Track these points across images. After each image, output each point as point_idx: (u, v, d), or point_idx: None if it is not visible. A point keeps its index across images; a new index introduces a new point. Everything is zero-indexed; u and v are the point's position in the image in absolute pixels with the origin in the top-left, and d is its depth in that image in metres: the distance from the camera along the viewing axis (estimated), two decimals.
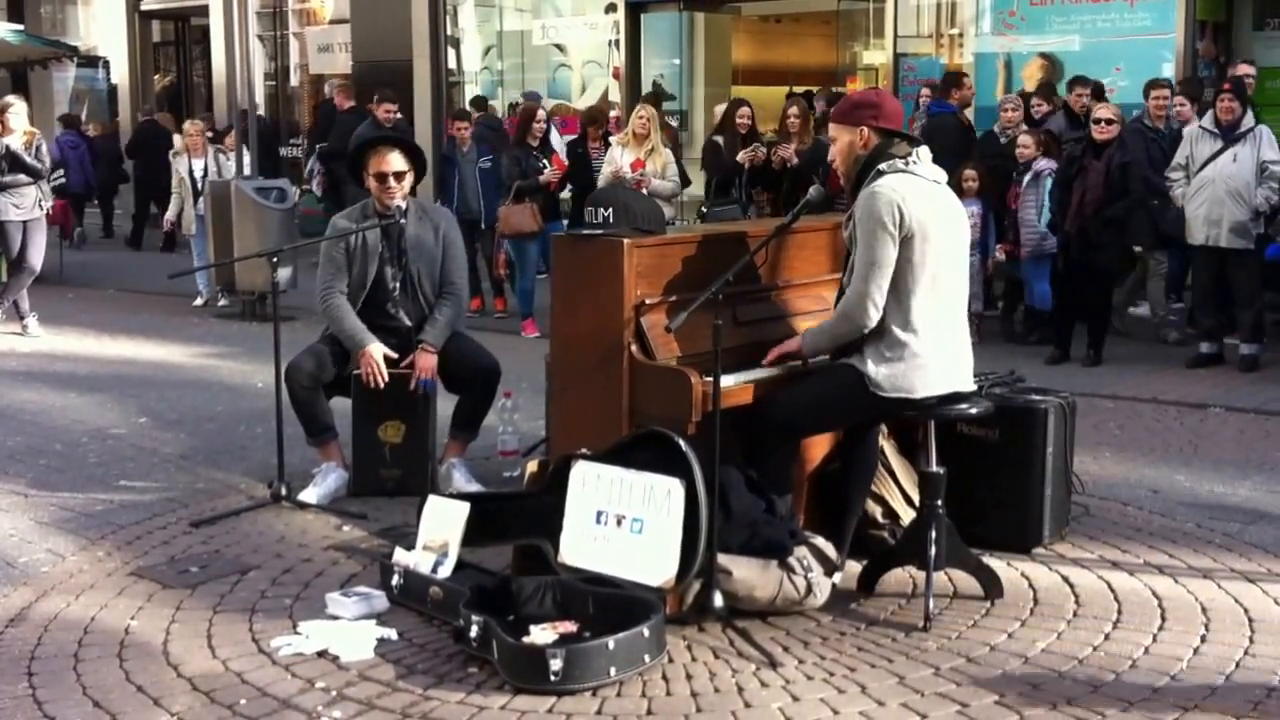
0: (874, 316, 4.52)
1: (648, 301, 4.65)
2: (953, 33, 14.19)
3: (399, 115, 13.01)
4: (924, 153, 4.67)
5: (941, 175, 4.71)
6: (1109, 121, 8.95)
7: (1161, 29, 11.95)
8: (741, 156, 10.47)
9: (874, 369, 4.53)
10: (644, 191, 9.49)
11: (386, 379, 5.95)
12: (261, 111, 14.57)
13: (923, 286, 4.52)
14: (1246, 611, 4.61)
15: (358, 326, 6.01)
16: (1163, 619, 4.56)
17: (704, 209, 10.70)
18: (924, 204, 4.54)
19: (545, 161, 10.59)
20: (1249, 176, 8.67)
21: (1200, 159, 8.90)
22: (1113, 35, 12.29)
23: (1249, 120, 8.85)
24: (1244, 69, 10.14)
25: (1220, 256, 8.89)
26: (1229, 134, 8.82)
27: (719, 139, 11.06)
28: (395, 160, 6.08)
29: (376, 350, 5.96)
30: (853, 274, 4.58)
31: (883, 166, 4.59)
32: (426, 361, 6.00)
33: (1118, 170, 8.85)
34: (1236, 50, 12.05)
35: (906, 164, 4.60)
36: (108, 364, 9.64)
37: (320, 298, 6.12)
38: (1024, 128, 10.08)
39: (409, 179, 6.16)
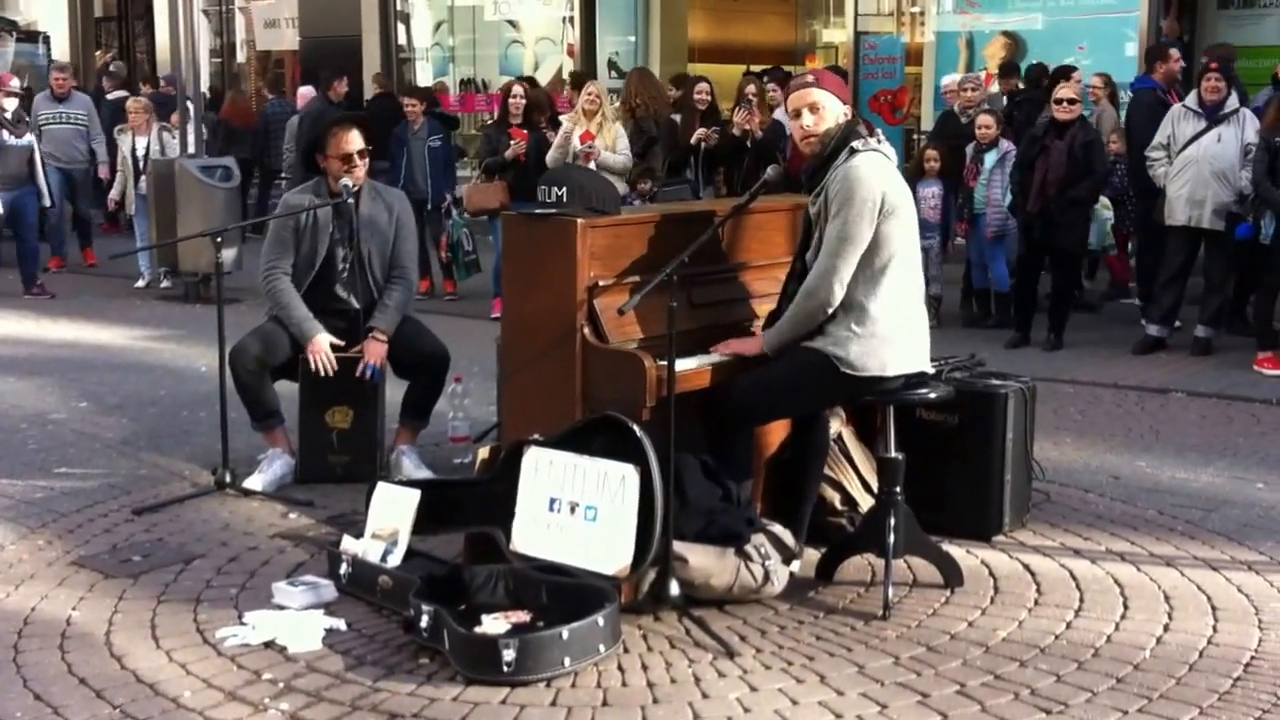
0: (838, 295, 4.48)
1: (601, 283, 4.58)
2: (914, 10, 14.20)
3: (347, 89, 12.98)
4: (881, 133, 4.75)
5: (895, 156, 4.75)
6: (1071, 101, 8.88)
7: (1125, 7, 12.00)
8: (696, 136, 10.36)
9: (844, 349, 4.48)
10: (592, 164, 9.37)
11: (336, 369, 5.85)
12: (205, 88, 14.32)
13: (894, 264, 4.51)
14: (1209, 599, 4.59)
15: (304, 314, 5.90)
16: (1125, 607, 4.54)
17: (654, 189, 10.58)
18: (895, 183, 4.56)
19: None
20: (1234, 158, 8.60)
21: (1182, 139, 8.85)
22: (1076, 13, 12.33)
23: (1233, 101, 8.81)
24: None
25: (1198, 238, 8.84)
26: (1213, 114, 8.76)
27: (676, 117, 10.94)
28: (356, 139, 6.02)
29: (324, 340, 5.87)
30: (820, 249, 4.52)
31: (856, 144, 4.56)
32: (376, 349, 5.90)
33: (1081, 150, 8.80)
34: (1201, 28, 12.07)
35: (879, 142, 4.62)
36: (48, 347, 9.49)
37: (263, 277, 6.01)
38: (984, 107, 10.04)
39: (368, 157, 6.10)
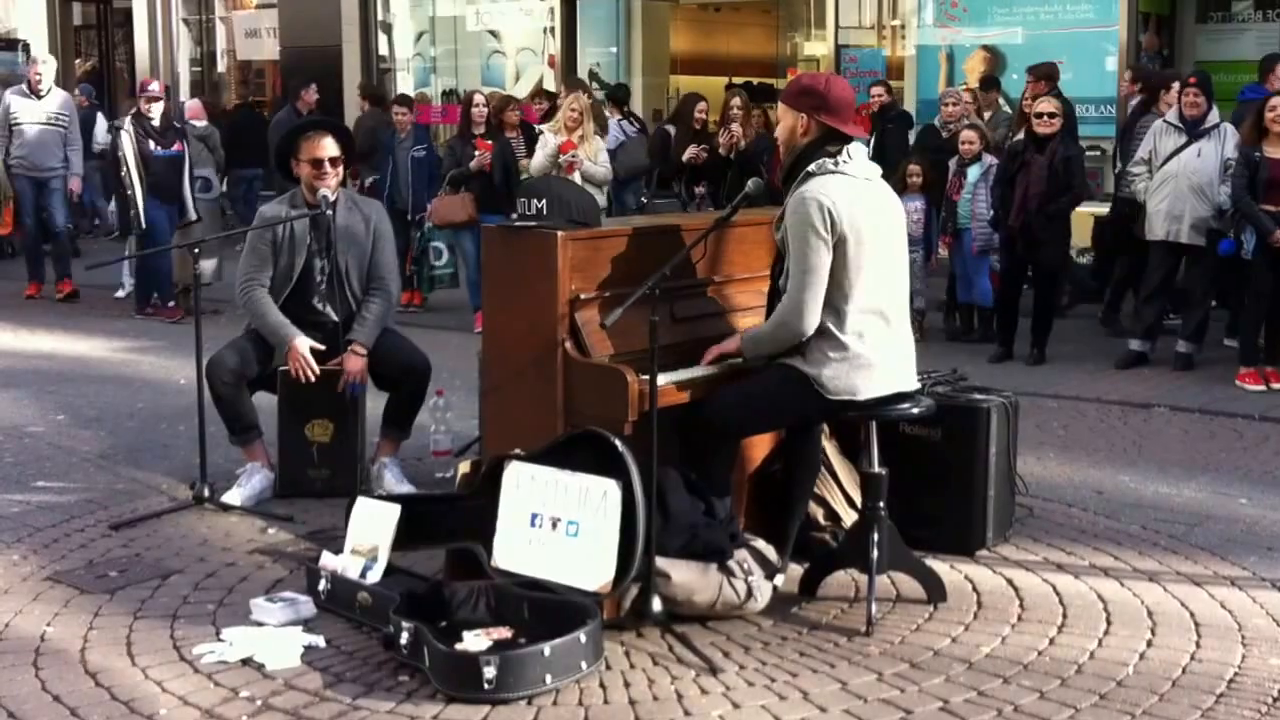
0: (811, 323, 4.44)
1: (582, 296, 4.55)
2: (894, 24, 14.27)
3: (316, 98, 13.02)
4: (856, 150, 4.54)
5: (874, 172, 4.61)
6: (1051, 115, 8.88)
7: (1104, 21, 12.08)
8: (687, 155, 10.37)
9: (817, 370, 4.45)
10: (576, 174, 9.36)
11: (318, 372, 5.80)
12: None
13: (860, 288, 4.44)
14: (1192, 615, 4.59)
15: (280, 320, 5.85)
16: (1108, 623, 4.53)
17: (644, 199, 10.60)
18: (855, 205, 4.44)
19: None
20: (1213, 173, 8.60)
21: (1163, 153, 8.86)
22: (1056, 27, 12.41)
23: (1214, 116, 8.82)
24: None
25: (1178, 253, 8.86)
26: (1193, 129, 8.76)
27: (670, 129, 10.93)
28: (330, 145, 5.95)
29: (303, 344, 5.81)
30: (788, 279, 4.48)
31: (811, 168, 4.48)
32: (355, 364, 5.84)
33: (1061, 165, 8.81)
34: (1180, 43, 12.13)
35: (836, 164, 4.47)
36: (25, 359, 9.43)
37: (240, 289, 5.95)
38: (966, 122, 10.05)
39: (341, 165, 6.03)
